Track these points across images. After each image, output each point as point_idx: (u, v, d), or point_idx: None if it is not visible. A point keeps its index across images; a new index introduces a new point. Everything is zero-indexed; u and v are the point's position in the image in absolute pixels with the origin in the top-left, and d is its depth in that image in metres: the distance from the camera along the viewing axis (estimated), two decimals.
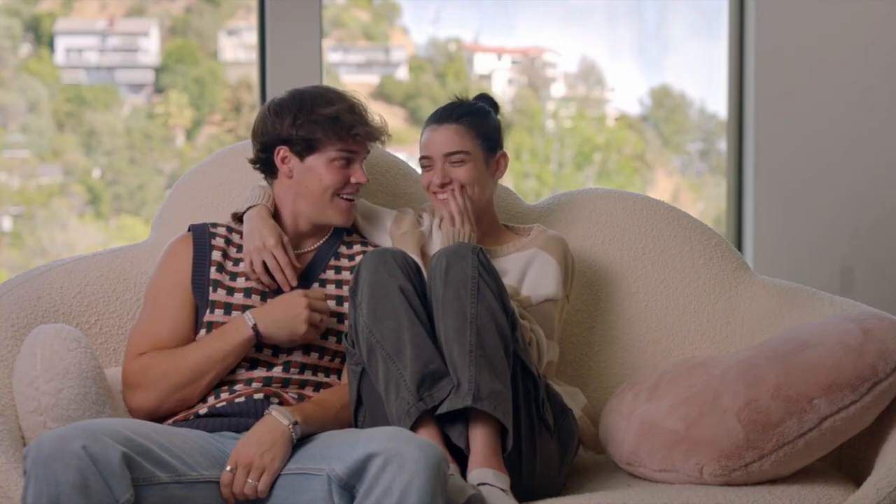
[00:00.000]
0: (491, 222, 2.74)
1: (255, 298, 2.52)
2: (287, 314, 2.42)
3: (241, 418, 2.38)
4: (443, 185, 2.62)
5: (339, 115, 2.53)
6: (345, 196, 2.56)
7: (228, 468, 2.19)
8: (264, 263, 2.51)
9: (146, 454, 2.10)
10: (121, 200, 5.36)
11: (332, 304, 2.52)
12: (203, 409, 2.42)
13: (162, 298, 2.51)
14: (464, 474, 2.23)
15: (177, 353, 2.44)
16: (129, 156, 5.34)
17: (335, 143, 2.53)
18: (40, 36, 5.25)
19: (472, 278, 2.32)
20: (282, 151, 2.57)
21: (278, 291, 2.53)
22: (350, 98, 2.59)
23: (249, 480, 2.18)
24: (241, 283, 2.54)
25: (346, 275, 2.58)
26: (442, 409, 2.22)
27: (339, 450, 2.14)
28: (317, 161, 2.55)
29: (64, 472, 1.98)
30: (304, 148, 2.54)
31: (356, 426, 2.40)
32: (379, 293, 2.33)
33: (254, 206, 2.59)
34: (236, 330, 2.43)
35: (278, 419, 2.25)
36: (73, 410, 2.29)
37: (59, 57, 5.28)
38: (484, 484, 2.19)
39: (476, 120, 2.66)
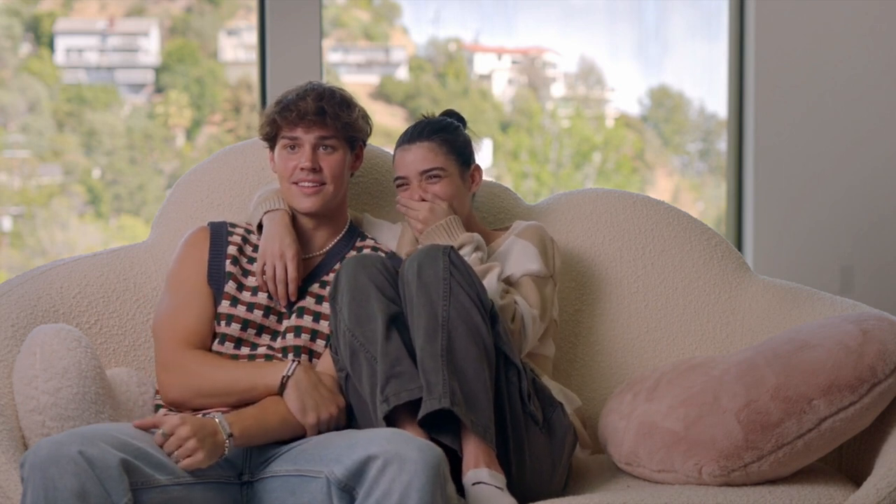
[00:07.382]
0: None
1: (262, 297, 2.52)
2: (319, 395, 2.37)
3: None
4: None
5: (284, 103, 2.54)
6: (300, 183, 2.55)
7: (161, 431, 2.16)
8: (275, 269, 2.51)
9: (144, 457, 2.09)
10: (121, 200, 5.36)
11: (328, 305, 2.52)
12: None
13: (185, 287, 2.51)
14: (456, 476, 2.22)
15: (213, 361, 2.43)
16: (129, 156, 5.35)
17: (281, 129, 2.55)
18: (40, 36, 5.25)
19: (444, 279, 2.32)
20: (268, 150, 2.62)
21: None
22: (304, 87, 2.57)
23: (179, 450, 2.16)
24: (251, 280, 2.54)
25: None
26: (420, 414, 2.21)
27: (337, 451, 2.13)
28: (276, 152, 2.58)
29: (61, 477, 1.97)
30: (271, 143, 2.59)
31: None
32: (359, 297, 2.33)
33: (275, 210, 2.60)
34: (271, 371, 2.39)
35: (219, 426, 2.22)
36: (71, 410, 2.29)
37: (59, 57, 5.29)
38: (479, 483, 2.18)
39: (447, 136, 2.67)
